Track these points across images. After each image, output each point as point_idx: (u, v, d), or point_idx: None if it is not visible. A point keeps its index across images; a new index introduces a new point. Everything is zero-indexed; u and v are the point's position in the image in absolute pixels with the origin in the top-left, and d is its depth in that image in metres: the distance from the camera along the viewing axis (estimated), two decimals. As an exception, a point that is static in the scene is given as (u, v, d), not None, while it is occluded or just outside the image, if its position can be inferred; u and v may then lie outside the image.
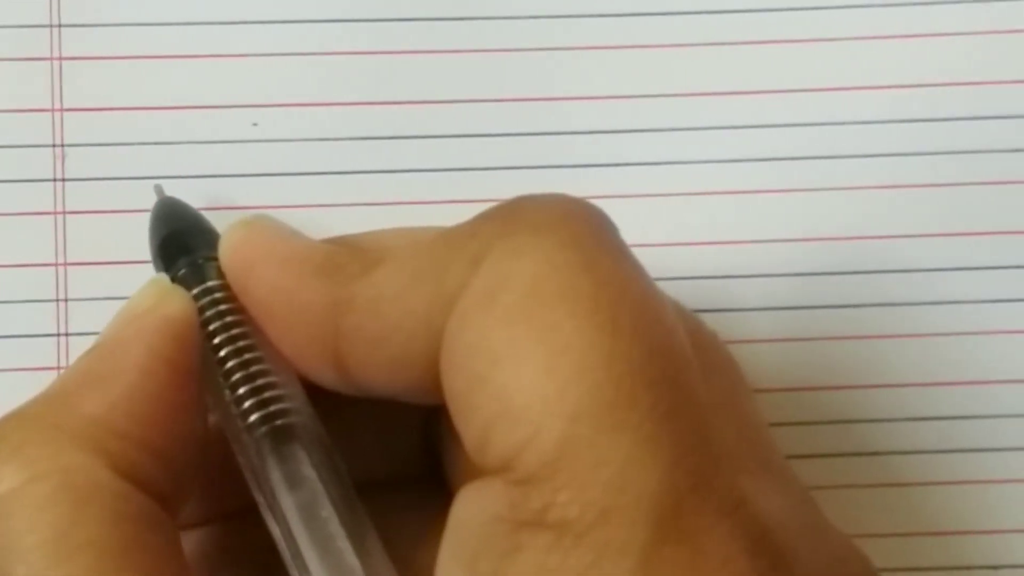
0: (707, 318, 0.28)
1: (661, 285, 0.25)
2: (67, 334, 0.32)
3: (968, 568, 0.33)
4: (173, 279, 0.28)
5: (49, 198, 0.33)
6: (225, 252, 0.27)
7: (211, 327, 0.27)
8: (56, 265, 0.33)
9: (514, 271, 0.23)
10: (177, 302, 0.27)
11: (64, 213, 0.33)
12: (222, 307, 0.27)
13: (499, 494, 0.22)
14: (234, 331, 0.26)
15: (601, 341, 0.22)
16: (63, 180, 0.33)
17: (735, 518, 0.22)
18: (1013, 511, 0.33)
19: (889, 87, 0.34)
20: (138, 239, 0.31)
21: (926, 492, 0.33)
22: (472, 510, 0.23)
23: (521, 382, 0.22)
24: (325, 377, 0.26)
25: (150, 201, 0.32)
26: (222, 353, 0.26)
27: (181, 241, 0.29)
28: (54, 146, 0.33)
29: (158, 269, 0.29)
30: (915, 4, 0.34)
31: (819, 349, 0.33)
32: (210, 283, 0.27)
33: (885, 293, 0.34)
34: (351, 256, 0.26)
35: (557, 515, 0.22)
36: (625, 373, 0.22)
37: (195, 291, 0.27)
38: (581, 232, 0.24)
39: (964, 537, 0.33)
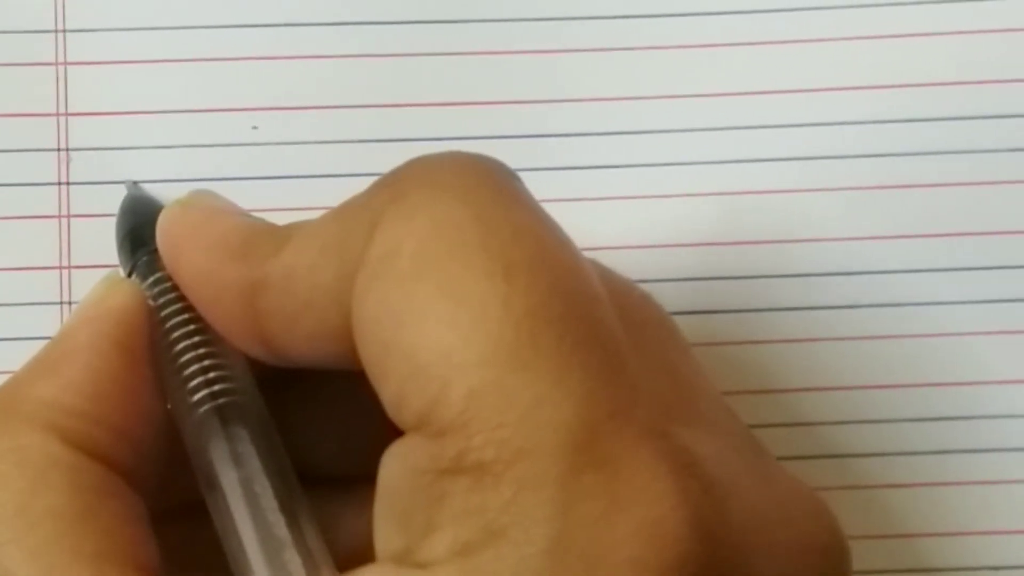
0: (701, 320, 0.28)
1: (655, 287, 0.26)
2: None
3: (969, 569, 0.33)
4: (132, 271, 0.29)
5: (53, 202, 0.33)
6: (158, 235, 0.28)
7: (163, 313, 0.27)
8: (60, 268, 0.33)
9: (406, 233, 0.23)
10: (124, 292, 0.27)
11: (68, 217, 0.33)
12: (172, 295, 0.27)
13: (419, 449, 0.23)
14: (184, 316, 0.27)
15: (495, 287, 0.23)
16: (67, 184, 0.33)
17: (659, 444, 0.22)
18: (1013, 512, 0.33)
19: (879, 87, 0.34)
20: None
21: (926, 493, 0.33)
22: (396, 468, 0.24)
23: (424, 340, 0.23)
24: (256, 353, 0.26)
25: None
26: (171, 337, 0.27)
27: (138, 235, 0.29)
28: (58, 150, 0.34)
29: (122, 264, 0.30)
30: (905, 4, 0.34)
31: (813, 350, 0.33)
32: (160, 273, 0.28)
33: (879, 294, 0.34)
34: (265, 236, 0.26)
35: (474, 458, 0.22)
36: (523, 314, 0.22)
37: (149, 280, 0.28)
38: (471, 185, 0.24)
39: (964, 538, 0.33)
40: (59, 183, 0.33)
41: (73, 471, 0.25)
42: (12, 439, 0.25)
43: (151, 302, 0.27)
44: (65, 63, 0.34)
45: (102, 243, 0.33)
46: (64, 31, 0.34)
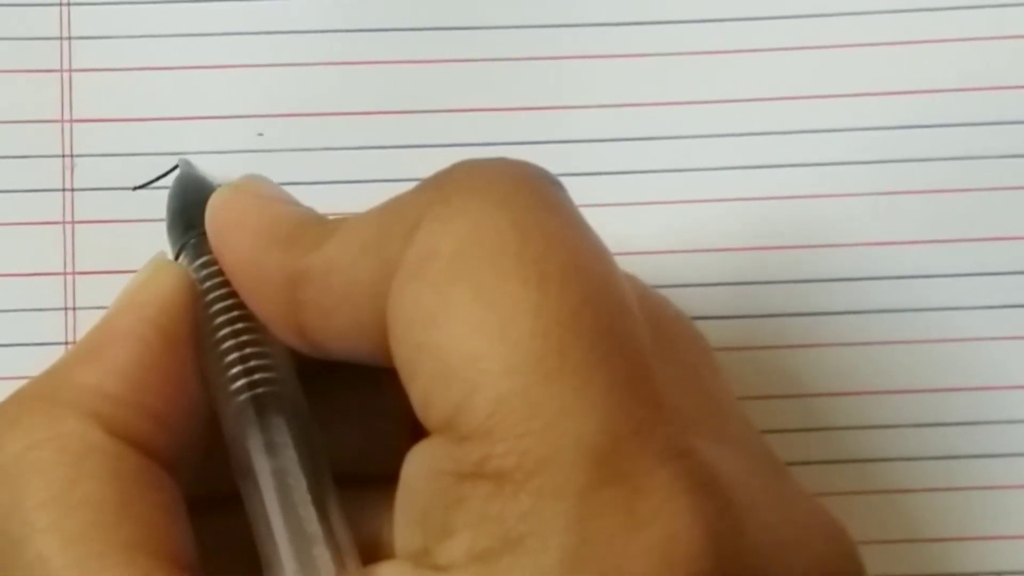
0: (717, 325, 0.28)
1: (672, 292, 0.26)
2: (76, 342, 0.33)
3: (972, 575, 0.33)
4: (180, 252, 0.29)
5: (58, 208, 0.33)
6: (207, 218, 0.28)
7: (207, 298, 0.27)
8: (65, 274, 0.33)
9: (444, 236, 0.24)
10: (170, 275, 0.27)
11: (73, 223, 0.33)
12: (217, 279, 0.27)
13: (442, 451, 0.23)
14: (228, 302, 0.27)
15: (527, 295, 0.23)
16: (72, 190, 0.34)
17: (680, 463, 0.22)
18: (1015, 517, 0.33)
19: (897, 94, 0.34)
20: (146, 248, 0.31)
21: (928, 499, 0.33)
22: (418, 468, 0.24)
23: (454, 344, 0.23)
24: (292, 342, 0.26)
25: (158, 211, 0.32)
26: (214, 323, 0.27)
27: (189, 215, 0.29)
28: (63, 156, 0.34)
29: (171, 242, 0.29)
30: (906, 11, 0.34)
31: (817, 356, 0.33)
32: (208, 256, 0.28)
33: (883, 300, 0.34)
34: (312, 227, 0.26)
35: (495, 466, 0.22)
36: (553, 324, 0.23)
37: (197, 263, 0.28)
38: (512, 192, 0.24)
39: (967, 543, 0.33)
40: (64, 189, 0.33)
41: (113, 459, 0.25)
42: (53, 426, 0.25)
43: (198, 285, 0.27)
44: (70, 70, 0.34)
45: (106, 249, 0.33)
46: (69, 38, 0.34)
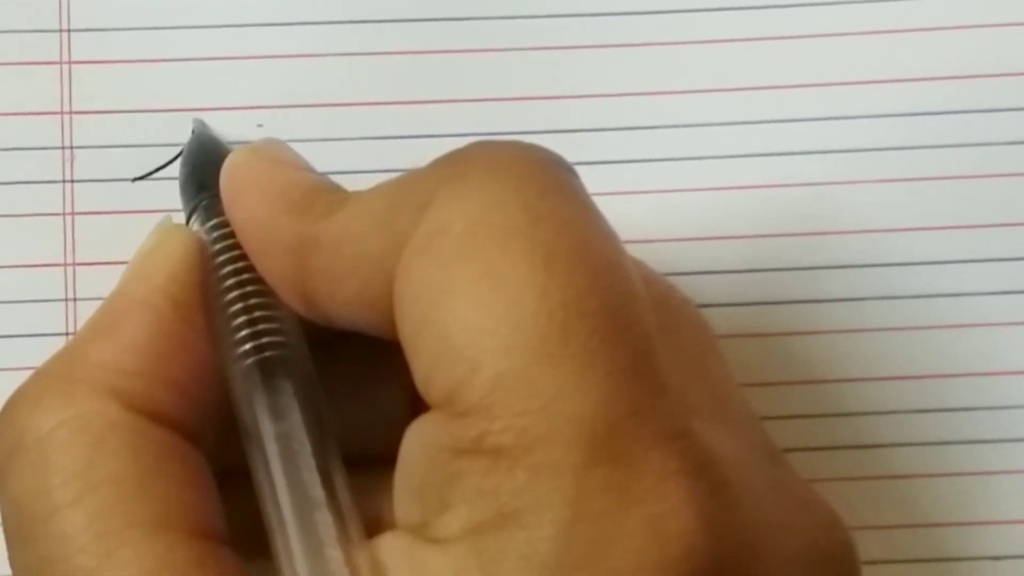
0: (726, 312, 0.28)
1: (684, 280, 0.26)
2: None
3: (970, 559, 0.33)
4: (192, 213, 0.29)
5: (58, 199, 0.33)
6: (222, 178, 0.28)
7: (218, 260, 0.27)
8: (65, 265, 0.33)
9: (455, 214, 0.24)
10: (177, 240, 0.28)
11: (73, 214, 0.34)
12: (228, 241, 0.27)
13: (441, 427, 0.23)
14: (238, 264, 0.27)
15: (534, 277, 0.23)
16: (72, 182, 0.34)
17: (675, 444, 0.23)
18: (1014, 502, 0.33)
19: (893, 81, 0.34)
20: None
21: (928, 484, 0.33)
22: (417, 443, 0.24)
23: (459, 321, 0.23)
24: (298, 308, 0.26)
25: (158, 202, 0.32)
26: (224, 285, 0.27)
27: (202, 176, 0.29)
28: (63, 148, 0.34)
29: (184, 204, 0.29)
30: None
31: (822, 342, 0.34)
32: (220, 218, 0.28)
33: (888, 286, 0.34)
34: (325, 195, 0.26)
35: (492, 442, 0.23)
36: (558, 306, 0.23)
37: (208, 224, 0.28)
38: (525, 174, 0.24)
39: (966, 528, 0.33)
40: (63, 181, 0.34)
41: (134, 435, 0.25)
42: (72, 406, 0.25)
43: (209, 247, 0.27)
44: (70, 62, 0.34)
45: (106, 240, 0.33)
46: (68, 30, 0.34)
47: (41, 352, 0.32)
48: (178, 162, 0.31)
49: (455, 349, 0.23)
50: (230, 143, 0.30)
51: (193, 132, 0.31)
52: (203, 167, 0.29)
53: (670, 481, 0.22)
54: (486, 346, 0.23)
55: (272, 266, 0.26)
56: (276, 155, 0.28)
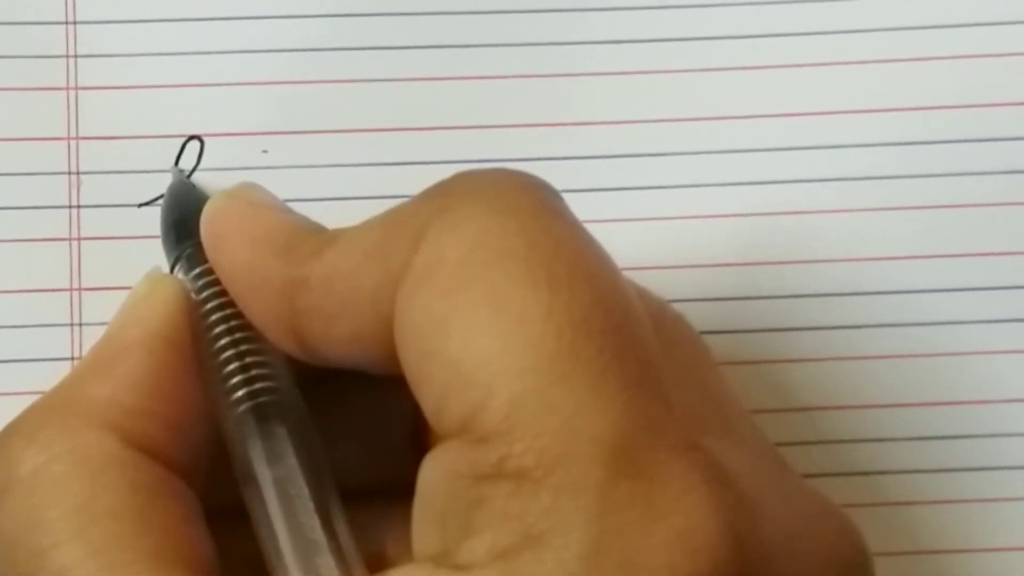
0: (722, 340, 0.28)
1: (677, 307, 0.26)
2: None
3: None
4: (176, 262, 0.29)
5: (64, 224, 0.34)
6: (202, 226, 0.28)
7: (205, 307, 0.27)
8: (71, 290, 0.33)
9: (450, 244, 0.24)
10: (169, 287, 0.28)
11: (79, 239, 0.34)
12: (214, 288, 0.27)
13: (459, 454, 0.23)
14: (226, 311, 0.27)
15: (538, 297, 0.23)
16: (78, 207, 0.34)
17: (693, 456, 0.23)
18: (1016, 529, 0.33)
19: (880, 111, 0.34)
20: (152, 265, 0.31)
21: (928, 511, 0.33)
22: (435, 473, 0.24)
23: (467, 348, 0.23)
24: (291, 350, 0.27)
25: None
26: (213, 332, 0.27)
27: (183, 226, 0.29)
28: (69, 173, 0.34)
29: (166, 253, 0.30)
30: (903, 29, 0.35)
31: (820, 370, 0.34)
32: (204, 266, 0.28)
33: (885, 314, 0.34)
34: (310, 235, 0.26)
35: (514, 465, 0.23)
36: (565, 325, 0.23)
37: (193, 273, 0.28)
38: (515, 200, 0.24)
39: (967, 555, 0.33)
40: (70, 206, 0.34)
41: (131, 470, 0.25)
42: (70, 439, 0.26)
43: (194, 295, 0.28)
44: (76, 88, 0.34)
45: (112, 265, 0.33)
46: (75, 56, 0.34)
47: (47, 377, 0.32)
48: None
49: (466, 376, 0.23)
50: (208, 192, 0.30)
51: (170, 183, 0.32)
52: (183, 217, 0.29)
53: (694, 493, 0.23)
54: (498, 370, 0.23)
55: (261, 310, 0.26)
56: (255, 198, 0.28)
